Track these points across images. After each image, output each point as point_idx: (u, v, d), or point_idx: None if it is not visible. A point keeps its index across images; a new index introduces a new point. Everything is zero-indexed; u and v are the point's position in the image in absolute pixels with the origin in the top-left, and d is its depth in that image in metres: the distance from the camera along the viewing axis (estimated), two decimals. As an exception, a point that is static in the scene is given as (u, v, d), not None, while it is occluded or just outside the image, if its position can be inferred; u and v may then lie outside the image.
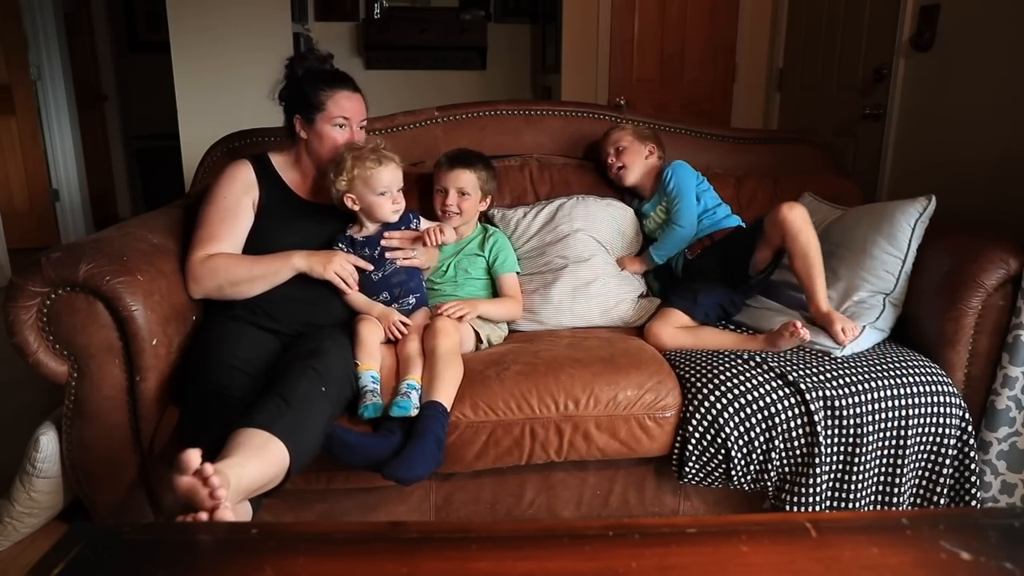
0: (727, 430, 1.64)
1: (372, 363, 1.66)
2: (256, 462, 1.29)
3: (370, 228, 1.86)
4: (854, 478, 1.67)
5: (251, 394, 1.50)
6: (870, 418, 1.65)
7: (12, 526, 1.74)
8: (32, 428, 1.67)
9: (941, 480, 1.71)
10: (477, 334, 1.89)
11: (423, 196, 2.12)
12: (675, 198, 2.10)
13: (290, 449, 1.35)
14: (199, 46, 3.34)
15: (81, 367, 1.56)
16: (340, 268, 1.75)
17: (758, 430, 1.65)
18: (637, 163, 2.21)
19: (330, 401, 1.51)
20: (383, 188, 1.79)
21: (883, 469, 1.70)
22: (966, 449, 1.70)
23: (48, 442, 1.65)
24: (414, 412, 1.56)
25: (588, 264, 2.08)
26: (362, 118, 1.87)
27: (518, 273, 2.08)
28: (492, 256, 2.04)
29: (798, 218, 1.80)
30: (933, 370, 1.72)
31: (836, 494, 1.70)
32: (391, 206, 1.82)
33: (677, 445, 1.69)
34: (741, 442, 1.65)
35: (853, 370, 1.70)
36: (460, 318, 1.81)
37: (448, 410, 1.60)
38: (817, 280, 1.81)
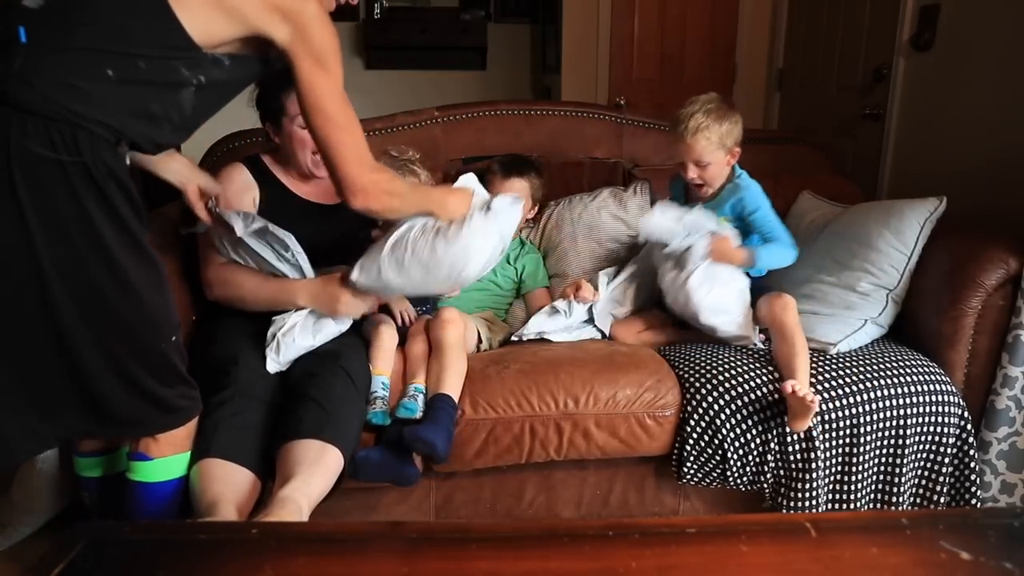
0: (724, 431, 1.64)
1: (385, 369, 1.68)
2: (319, 476, 1.37)
3: None
4: (853, 478, 1.67)
5: (254, 389, 1.51)
6: (869, 417, 1.65)
7: (12, 526, 1.74)
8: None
9: (941, 480, 1.71)
10: (479, 335, 1.89)
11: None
12: (762, 223, 1.87)
13: (342, 451, 1.42)
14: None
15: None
16: (348, 310, 1.61)
17: (754, 432, 1.65)
18: (719, 177, 1.91)
19: (361, 397, 1.57)
20: None
21: (882, 468, 1.70)
22: (966, 447, 1.70)
23: (48, 442, 1.65)
24: (419, 415, 1.58)
25: (583, 269, 2.08)
26: None
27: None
28: (522, 274, 2.06)
29: (789, 319, 1.72)
30: (932, 369, 1.72)
31: (835, 494, 1.70)
32: None
33: (676, 444, 1.69)
34: (737, 443, 1.65)
35: (852, 369, 1.69)
36: None
37: (456, 402, 1.62)
38: (797, 363, 1.65)
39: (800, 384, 1.57)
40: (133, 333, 1.19)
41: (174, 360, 1.27)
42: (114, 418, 1.23)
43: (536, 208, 2.13)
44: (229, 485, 1.35)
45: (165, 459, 1.34)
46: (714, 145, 1.83)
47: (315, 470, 1.36)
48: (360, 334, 1.76)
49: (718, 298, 1.77)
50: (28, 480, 1.68)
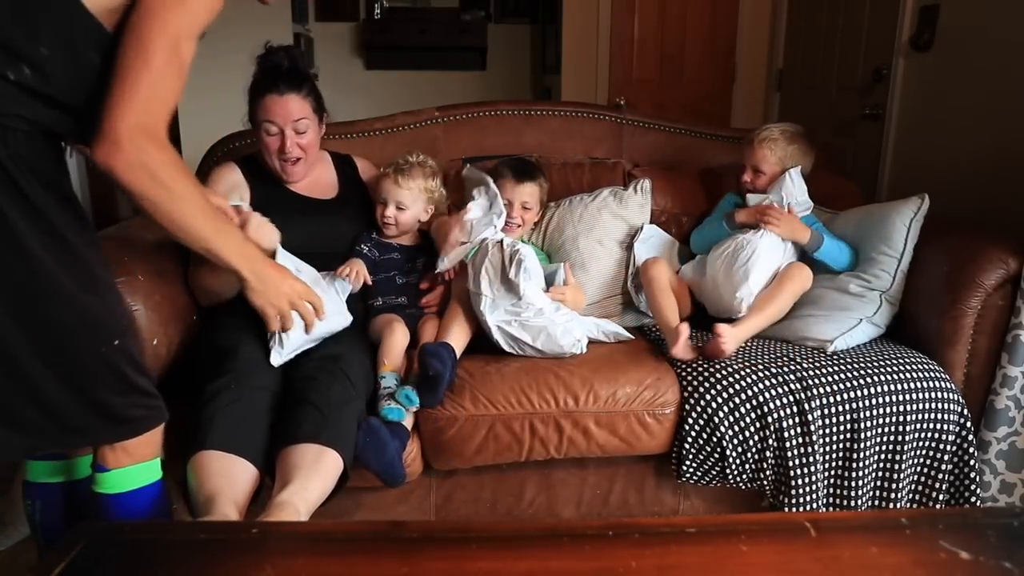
0: (722, 429, 1.64)
1: (395, 365, 1.69)
2: (316, 480, 1.35)
3: (395, 233, 1.91)
4: (853, 475, 1.68)
5: (252, 376, 1.52)
6: (869, 414, 1.65)
7: (12, 526, 1.74)
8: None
9: (940, 478, 1.72)
10: None
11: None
12: (823, 231, 1.99)
13: (341, 454, 1.41)
14: (199, 46, 3.34)
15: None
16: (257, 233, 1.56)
17: (752, 429, 1.65)
18: (766, 183, 2.03)
19: (361, 400, 1.56)
20: (382, 196, 1.88)
21: (882, 467, 1.71)
22: (965, 445, 1.70)
23: (48, 442, 1.64)
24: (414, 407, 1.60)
25: (584, 269, 2.08)
26: (297, 119, 1.76)
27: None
28: None
29: (789, 286, 1.87)
30: (932, 368, 1.72)
31: (835, 491, 1.70)
32: (380, 216, 1.88)
33: (675, 443, 1.69)
34: (736, 441, 1.65)
35: (851, 367, 1.70)
36: None
37: (456, 357, 1.66)
38: (760, 311, 1.82)
39: (728, 333, 1.71)
40: (68, 337, 1.10)
41: (121, 366, 1.15)
42: (67, 426, 1.13)
43: (541, 212, 2.13)
44: (226, 478, 1.35)
45: (124, 470, 1.25)
46: (775, 158, 2.01)
47: (313, 474, 1.36)
48: (367, 335, 1.77)
49: (761, 274, 1.87)
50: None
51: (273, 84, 1.76)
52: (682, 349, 1.75)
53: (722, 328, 1.72)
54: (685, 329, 1.77)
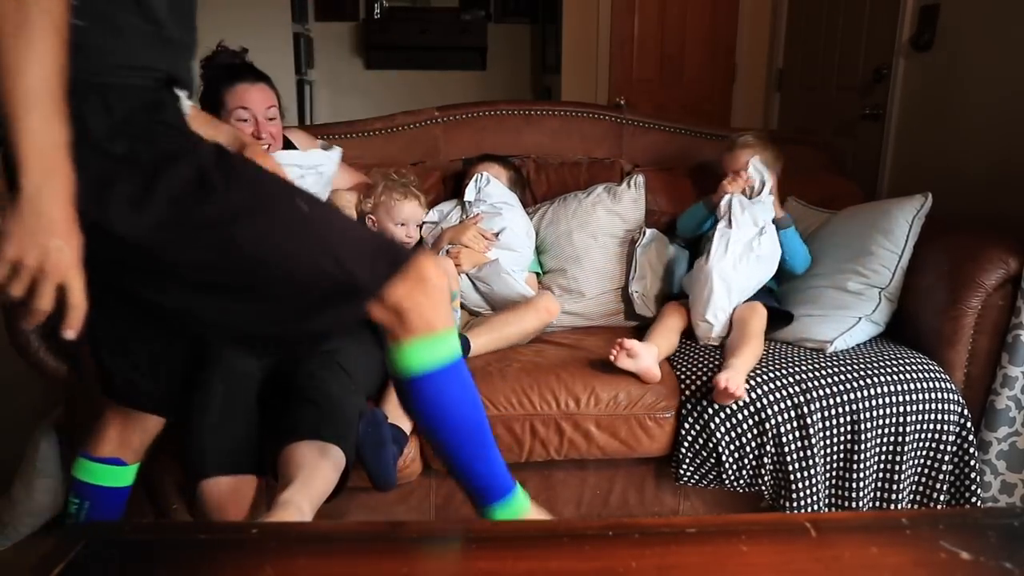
0: (718, 434, 1.63)
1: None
2: (319, 476, 1.35)
3: None
4: (853, 475, 1.67)
5: (236, 366, 1.51)
6: (869, 414, 1.65)
7: (12, 526, 1.74)
8: (32, 428, 1.67)
9: (940, 478, 1.71)
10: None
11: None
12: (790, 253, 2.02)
13: (343, 449, 1.41)
14: (199, 46, 3.34)
15: (80, 368, 1.56)
16: None
17: (749, 436, 1.64)
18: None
19: (360, 394, 1.56)
20: (402, 219, 1.89)
21: (882, 467, 1.70)
22: (966, 446, 1.70)
23: (47, 443, 1.65)
24: None
25: (579, 264, 2.10)
26: (268, 106, 1.78)
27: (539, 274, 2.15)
28: None
29: (755, 323, 1.81)
30: (932, 368, 1.72)
31: (835, 492, 1.70)
32: (404, 238, 1.89)
33: (674, 446, 1.69)
34: (732, 447, 1.64)
35: (851, 368, 1.69)
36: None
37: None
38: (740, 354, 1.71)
39: (732, 377, 1.59)
40: None
41: None
42: None
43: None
44: (232, 503, 1.37)
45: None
46: (758, 162, 2.04)
47: (316, 471, 1.35)
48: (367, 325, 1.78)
49: (739, 286, 1.86)
50: (29, 479, 1.68)
51: (243, 74, 1.78)
52: (638, 361, 1.70)
53: (719, 379, 1.60)
54: (650, 354, 1.73)
